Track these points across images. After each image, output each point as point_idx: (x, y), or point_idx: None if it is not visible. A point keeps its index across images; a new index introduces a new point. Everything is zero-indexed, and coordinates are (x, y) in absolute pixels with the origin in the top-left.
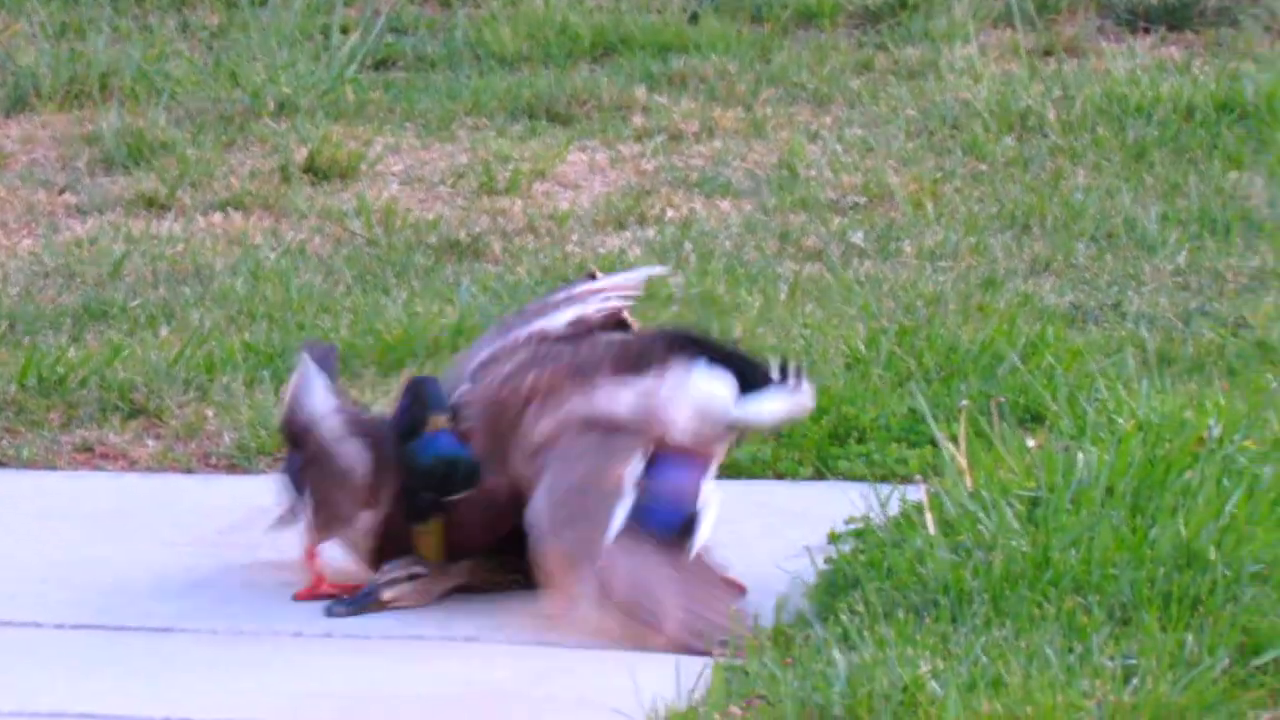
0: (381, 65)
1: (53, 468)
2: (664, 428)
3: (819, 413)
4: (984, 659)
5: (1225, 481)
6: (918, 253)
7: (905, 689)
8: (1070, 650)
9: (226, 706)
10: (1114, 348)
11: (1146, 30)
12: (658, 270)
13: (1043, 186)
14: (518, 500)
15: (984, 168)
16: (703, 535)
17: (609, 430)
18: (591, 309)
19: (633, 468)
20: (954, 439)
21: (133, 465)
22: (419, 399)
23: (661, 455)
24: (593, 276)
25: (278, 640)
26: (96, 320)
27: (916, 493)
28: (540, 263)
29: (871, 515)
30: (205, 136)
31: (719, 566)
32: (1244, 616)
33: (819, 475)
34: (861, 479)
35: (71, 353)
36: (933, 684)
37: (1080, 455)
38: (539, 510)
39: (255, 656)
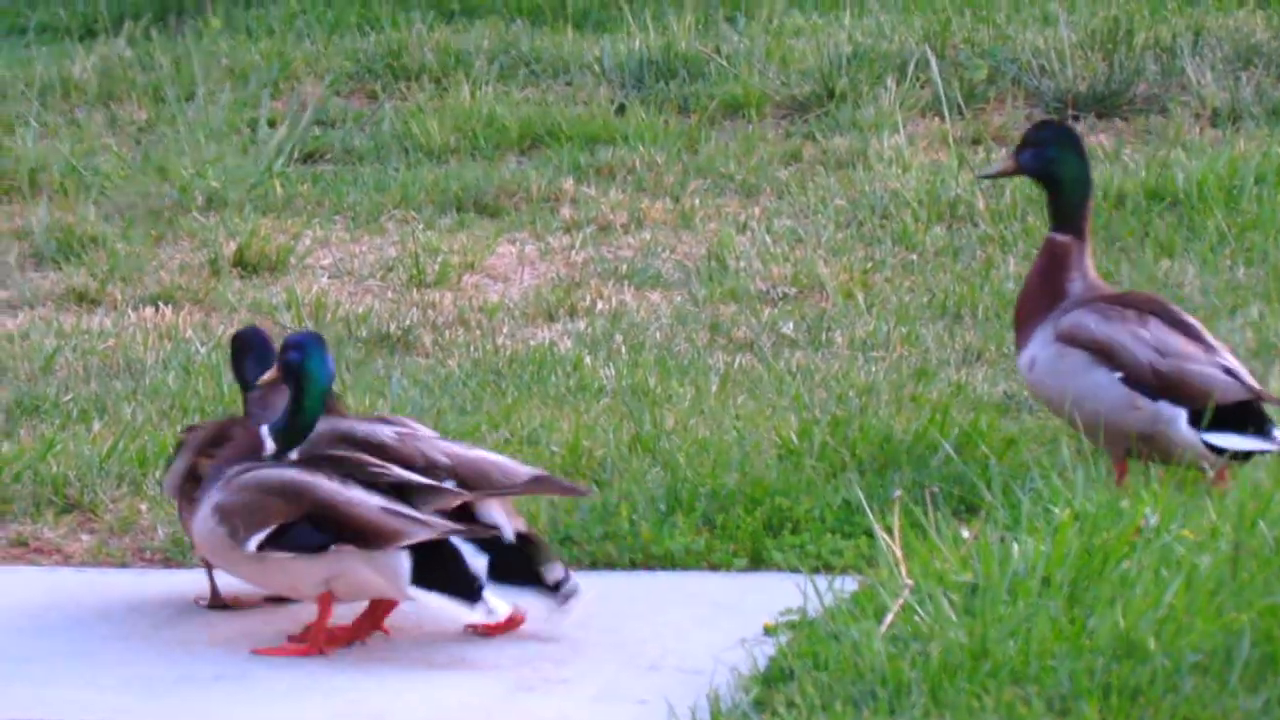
0: (310, 158)
1: None
2: None
3: (752, 503)
4: None
5: (1163, 571)
6: (849, 343)
7: None
8: None
9: None
10: (1048, 437)
11: (1076, 118)
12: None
13: (974, 275)
14: None
15: (914, 257)
16: None
17: None
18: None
19: None
20: (889, 529)
21: (67, 560)
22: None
23: None
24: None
25: None
26: (29, 415)
27: (851, 584)
28: (471, 355)
29: (807, 607)
30: (135, 231)
31: None
32: (1184, 707)
33: (753, 566)
34: (796, 570)
35: (4, 448)
36: None
37: (1016, 545)
38: None
39: None
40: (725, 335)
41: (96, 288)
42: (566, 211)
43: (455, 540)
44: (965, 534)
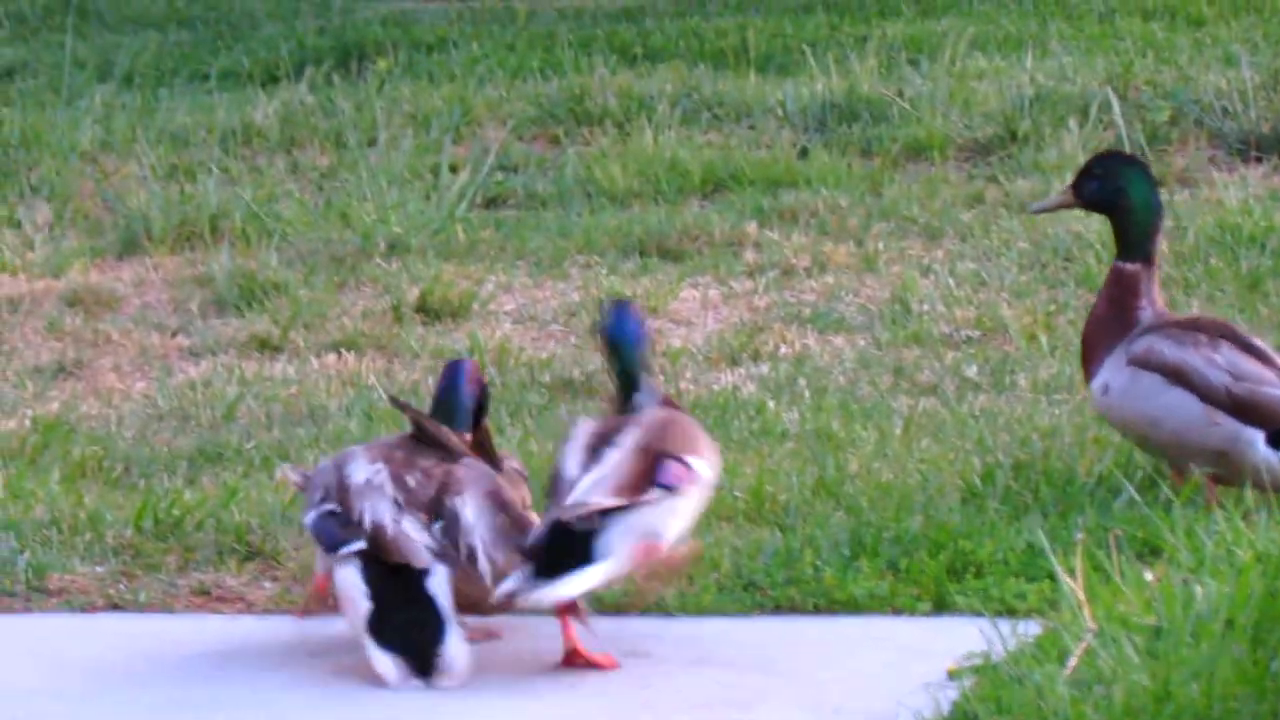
0: (492, 204)
1: (170, 611)
2: None
3: (936, 547)
4: None
5: None
6: (1032, 385)
7: None
8: None
9: None
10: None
11: (1259, 159)
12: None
13: None
14: None
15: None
16: None
17: None
18: None
19: None
20: (1072, 572)
21: (250, 607)
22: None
23: None
24: None
25: None
26: (211, 463)
27: (1034, 628)
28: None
29: (991, 651)
30: (317, 277)
31: None
32: None
33: (937, 610)
34: (980, 614)
35: (187, 495)
36: None
37: (1199, 588)
38: None
39: None
40: (909, 379)
41: (279, 334)
42: (749, 255)
43: None
44: (1149, 577)
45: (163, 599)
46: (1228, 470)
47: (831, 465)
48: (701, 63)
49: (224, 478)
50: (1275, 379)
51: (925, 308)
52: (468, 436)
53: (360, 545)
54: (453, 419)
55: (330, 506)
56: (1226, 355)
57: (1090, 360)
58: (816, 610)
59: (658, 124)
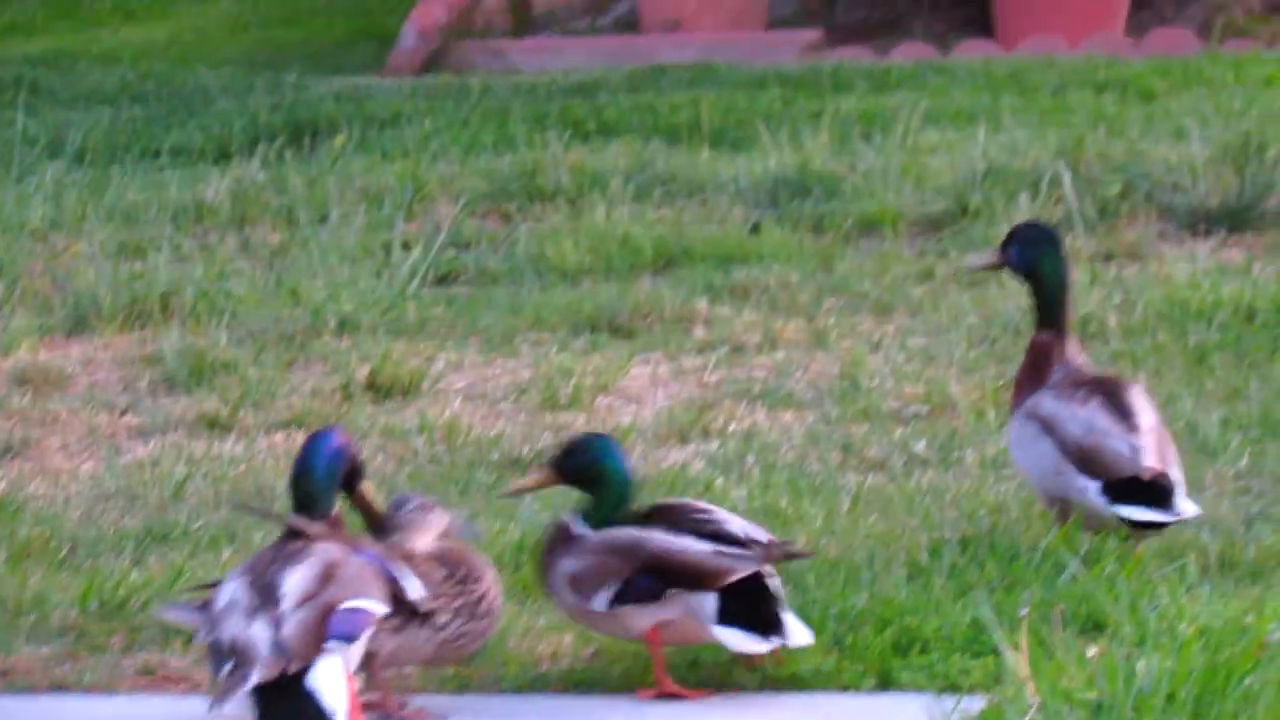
0: (443, 280)
1: (114, 692)
2: None
3: (882, 623)
4: None
5: None
6: (980, 461)
7: None
8: None
9: None
10: (1175, 553)
11: (1207, 233)
12: None
13: None
14: None
15: None
16: None
17: None
18: None
19: None
20: (1016, 648)
21: (195, 688)
22: None
23: None
24: None
25: None
26: (159, 543)
27: (979, 703)
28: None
29: None
30: (267, 355)
31: None
32: None
33: (882, 687)
34: (924, 690)
35: (134, 576)
36: None
37: (1142, 662)
38: None
39: None
40: (857, 454)
41: (228, 413)
42: (700, 332)
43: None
44: (1092, 651)
45: (108, 680)
46: (1085, 518)
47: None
48: (655, 138)
49: (171, 558)
50: (1122, 434)
51: (874, 383)
52: (333, 512)
53: (226, 670)
54: (311, 499)
55: (208, 639)
56: (1090, 410)
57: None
58: (762, 688)
59: (610, 200)
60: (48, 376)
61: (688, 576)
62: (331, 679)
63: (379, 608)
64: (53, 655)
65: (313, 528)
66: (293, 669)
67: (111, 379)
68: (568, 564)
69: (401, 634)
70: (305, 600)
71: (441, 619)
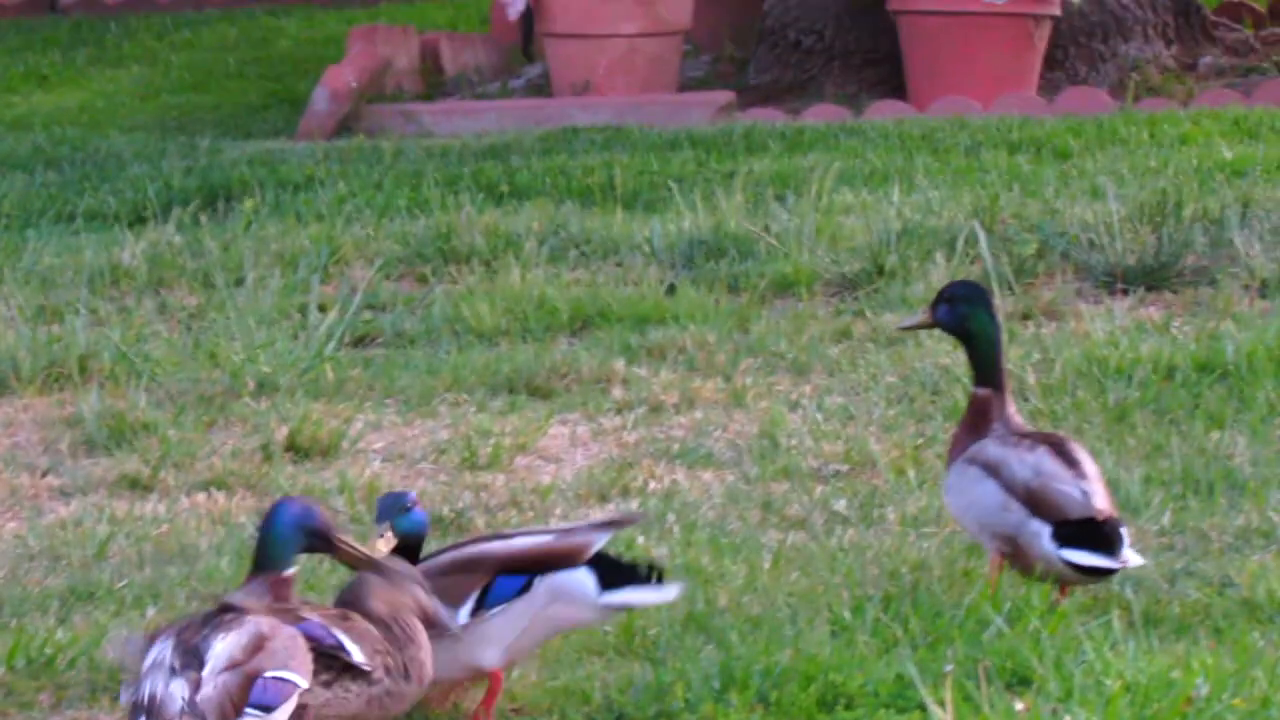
0: (360, 342)
1: None
2: None
3: (806, 680)
4: None
5: None
6: (901, 519)
7: None
8: None
9: None
10: (1099, 609)
11: (1125, 291)
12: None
13: None
14: None
15: None
16: None
17: None
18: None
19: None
20: (941, 704)
21: None
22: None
23: None
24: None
25: None
26: (83, 601)
27: None
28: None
29: None
30: (186, 417)
31: None
32: None
33: None
34: None
35: (60, 634)
36: None
37: (1068, 718)
38: None
39: None
40: (777, 513)
41: (149, 474)
42: (618, 392)
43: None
44: (1019, 707)
45: None
46: (1021, 561)
47: (701, 600)
48: (568, 200)
49: (96, 617)
50: (1072, 479)
51: (794, 442)
52: (288, 573)
53: None
54: (268, 559)
55: (128, 700)
56: (1037, 456)
57: (947, 472)
58: None
59: (525, 261)
60: None
61: (548, 563)
62: None
63: (302, 680)
64: None
65: (248, 602)
66: None
67: (32, 440)
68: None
69: (332, 689)
70: (230, 667)
71: (375, 675)
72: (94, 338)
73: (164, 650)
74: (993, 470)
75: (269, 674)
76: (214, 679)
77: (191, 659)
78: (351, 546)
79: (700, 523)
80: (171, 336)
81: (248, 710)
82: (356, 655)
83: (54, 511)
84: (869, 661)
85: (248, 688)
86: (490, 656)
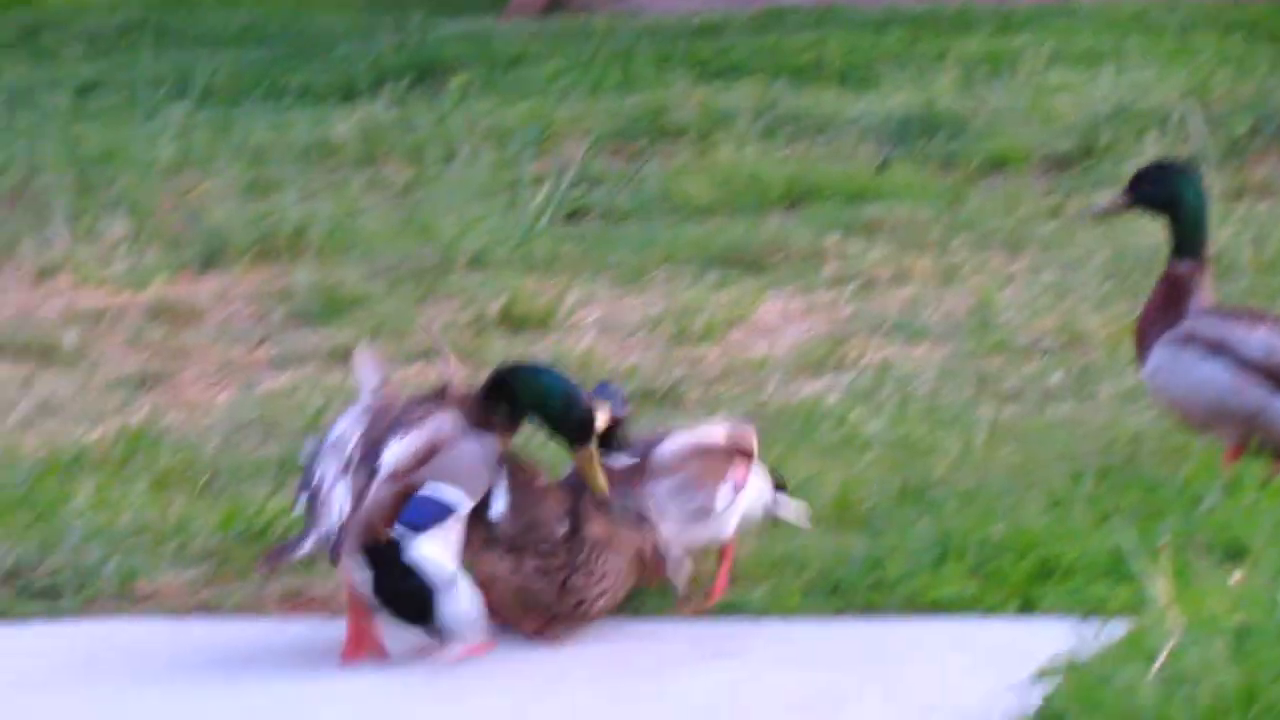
0: (572, 217)
1: (259, 615)
2: None
3: (1021, 552)
4: None
5: None
6: (1116, 394)
7: None
8: None
9: None
10: None
11: None
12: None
13: None
14: None
15: None
16: None
17: None
18: None
19: None
20: (1158, 575)
21: (338, 612)
22: None
23: None
24: None
25: None
26: (297, 471)
27: (1121, 629)
28: (738, 409)
29: (1078, 651)
30: (399, 290)
31: None
32: None
33: (1024, 611)
34: (1066, 615)
35: (273, 503)
36: None
37: None
38: None
39: None
40: (992, 387)
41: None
42: (831, 267)
43: None
44: (1234, 578)
45: (252, 603)
46: (1263, 437)
47: (916, 473)
48: (780, 77)
49: None
50: None
51: (1007, 318)
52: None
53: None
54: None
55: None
56: (1264, 332)
57: (1142, 353)
58: (904, 612)
59: (738, 138)
60: (181, 311)
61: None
62: (435, 553)
63: (463, 503)
64: (197, 579)
65: (454, 387)
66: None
67: (244, 313)
68: None
69: (481, 556)
70: (392, 476)
71: (528, 562)
72: (306, 212)
73: (348, 431)
74: (1217, 349)
75: (426, 491)
76: (375, 493)
77: (370, 456)
78: (599, 460)
79: (914, 396)
80: (383, 211)
81: (397, 525)
82: (496, 509)
83: (267, 382)
84: (1084, 534)
85: (401, 502)
86: (729, 530)
